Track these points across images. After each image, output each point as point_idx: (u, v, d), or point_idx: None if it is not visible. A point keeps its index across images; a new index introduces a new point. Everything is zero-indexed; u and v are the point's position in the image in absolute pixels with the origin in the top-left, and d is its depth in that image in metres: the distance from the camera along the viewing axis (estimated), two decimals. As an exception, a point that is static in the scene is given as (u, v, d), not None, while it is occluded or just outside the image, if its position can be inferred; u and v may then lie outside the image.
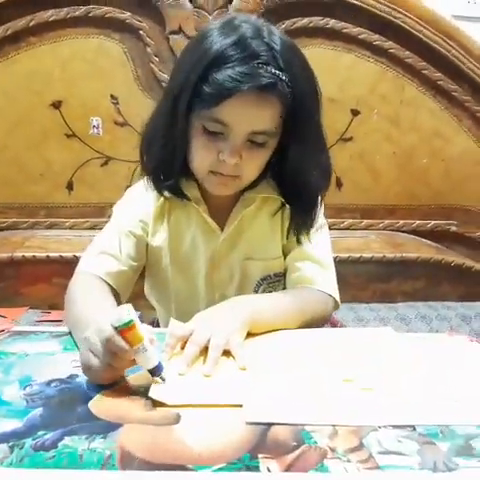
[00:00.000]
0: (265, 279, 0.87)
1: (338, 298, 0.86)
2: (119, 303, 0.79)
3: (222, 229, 0.85)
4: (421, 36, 1.49)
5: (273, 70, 0.69)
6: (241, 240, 0.86)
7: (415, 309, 1.36)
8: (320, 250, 0.87)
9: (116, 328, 0.56)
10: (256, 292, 0.87)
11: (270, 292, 0.87)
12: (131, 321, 0.56)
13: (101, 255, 0.82)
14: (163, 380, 0.59)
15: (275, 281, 0.87)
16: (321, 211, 0.87)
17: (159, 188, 0.82)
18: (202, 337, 0.65)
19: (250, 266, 0.86)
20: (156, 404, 0.54)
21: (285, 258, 0.88)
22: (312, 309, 0.81)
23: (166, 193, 0.84)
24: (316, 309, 0.82)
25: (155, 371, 0.58)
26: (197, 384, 0.59)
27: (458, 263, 1.52)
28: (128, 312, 0.56)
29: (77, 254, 1.34)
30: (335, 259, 0.91)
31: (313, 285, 0.84)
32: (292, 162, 0.77)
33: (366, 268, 1.47)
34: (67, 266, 1.35)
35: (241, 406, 0.54)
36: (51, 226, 1.51)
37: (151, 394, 0.55)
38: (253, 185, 0.82)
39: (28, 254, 1.36)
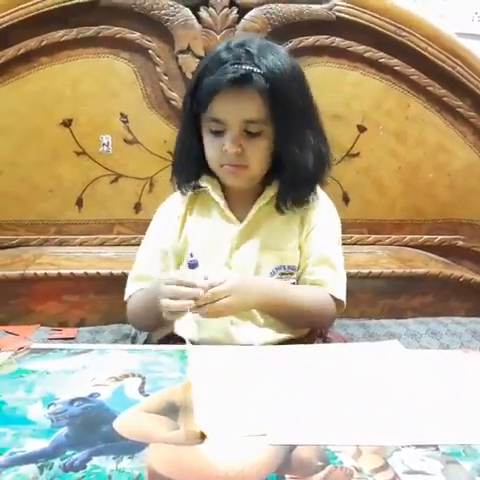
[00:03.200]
0: (279, 269, 0.93)
1: (345, 300, 0.93)
2: None
3: (241, 221, 0.93)
4: (426, 53, 1.50)
5: (247, 67, 0.82)
6: (259, 232, 0.93)
7: (425, 325, 1.36)
8: (335, 254, 0.95)
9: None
10: None
11: None
12: None
13: (137, 281, 0.94)
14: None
15: (288, 273, 0.93)
16: (333, 209, 1.00)
17: (181, 188, 0.94)
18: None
19: (265, 255, 0.93)
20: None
21: (301, 254, 0.94)
22: (320, 310, 0.91)
23: (190, 191, 0.94)
24: (324, 311, 0.92)
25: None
26: (224, 415, 0.59)
27: (467, 278, 1.52)
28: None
29: (88, 271, 1.36)
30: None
31: (325, 288, 0.92)
32: (280, 144, 0.87)
33: (375, 284, 1.46)
34: (77, 283, 1.38)
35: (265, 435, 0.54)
36: (61, 243, 1.52)
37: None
38: (270, 181, 0.92)
39: (40, 271, 1.35)
